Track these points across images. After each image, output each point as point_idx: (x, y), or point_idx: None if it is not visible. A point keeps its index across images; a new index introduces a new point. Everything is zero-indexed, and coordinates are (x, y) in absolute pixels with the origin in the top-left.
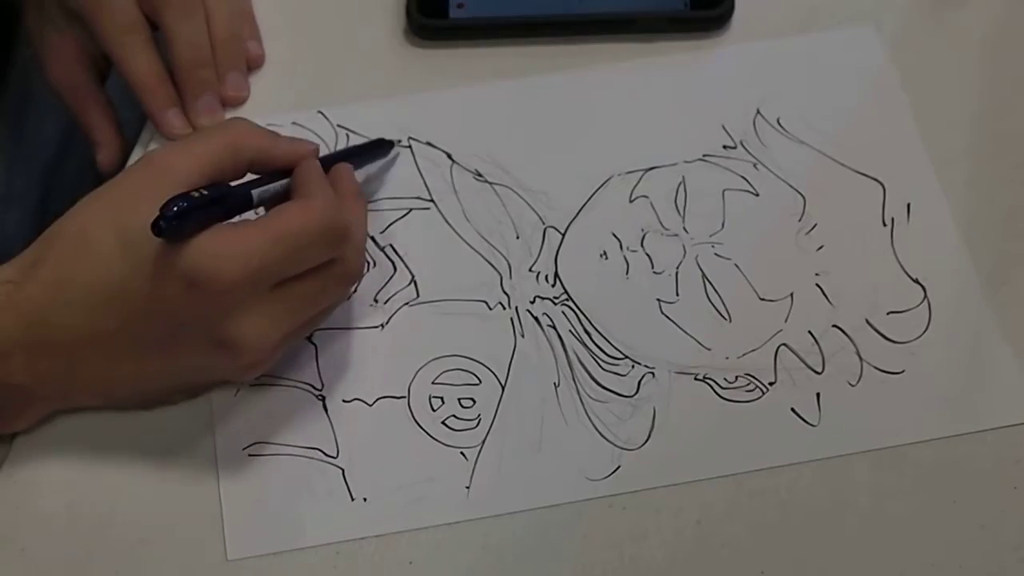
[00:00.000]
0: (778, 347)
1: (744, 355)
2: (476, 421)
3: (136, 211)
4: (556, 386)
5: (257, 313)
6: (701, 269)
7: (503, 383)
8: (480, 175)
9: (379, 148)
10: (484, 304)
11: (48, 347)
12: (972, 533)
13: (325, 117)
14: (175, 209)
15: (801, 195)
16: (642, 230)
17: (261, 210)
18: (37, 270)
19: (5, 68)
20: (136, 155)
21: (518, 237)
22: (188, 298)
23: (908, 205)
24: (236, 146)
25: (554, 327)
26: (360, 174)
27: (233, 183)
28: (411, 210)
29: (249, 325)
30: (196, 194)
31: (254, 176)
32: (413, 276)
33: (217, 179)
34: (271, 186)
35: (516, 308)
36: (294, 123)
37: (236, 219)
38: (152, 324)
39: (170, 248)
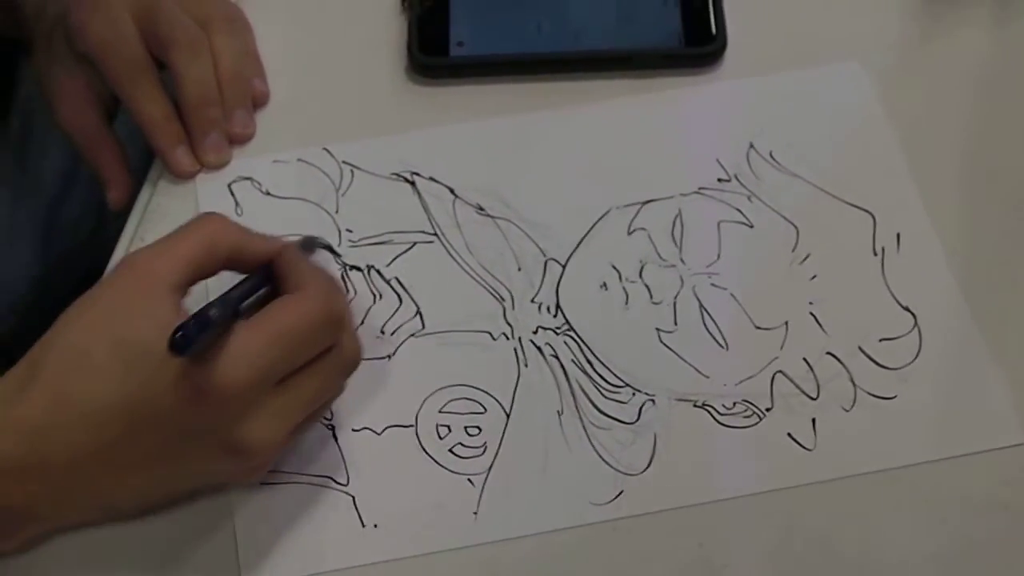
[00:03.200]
0: (774, 374)
1: (741, 382)
2: (482, 448)
3: (131, 324)
4: (559, 414)
5: (264, 414)
6: (698, 299)
7: (508, 411)
8: (482, 209)
9: (313, 243)
10: (488, 335)
11: (48, 466)
12: (963, 552)
13: (330, 154)
14: (193, 329)
15: (794, 226)
16: (640, 261)
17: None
18: (31, 388)
19: (9, 104)
20: (145, 192)
21: (520, 269)
22: (197, 408)
23: (898, 235)
24: (213, 244)
25: (556, 356)
26: None
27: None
28: (415, 244)
29: (258, 427)
30: (211, 312)
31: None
32: (418, 308)
33: (197, 278)
34: (256, 295)
35: (519, 338)
36: (300, 159)
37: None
38: (160, 435)
39: (176, 361)
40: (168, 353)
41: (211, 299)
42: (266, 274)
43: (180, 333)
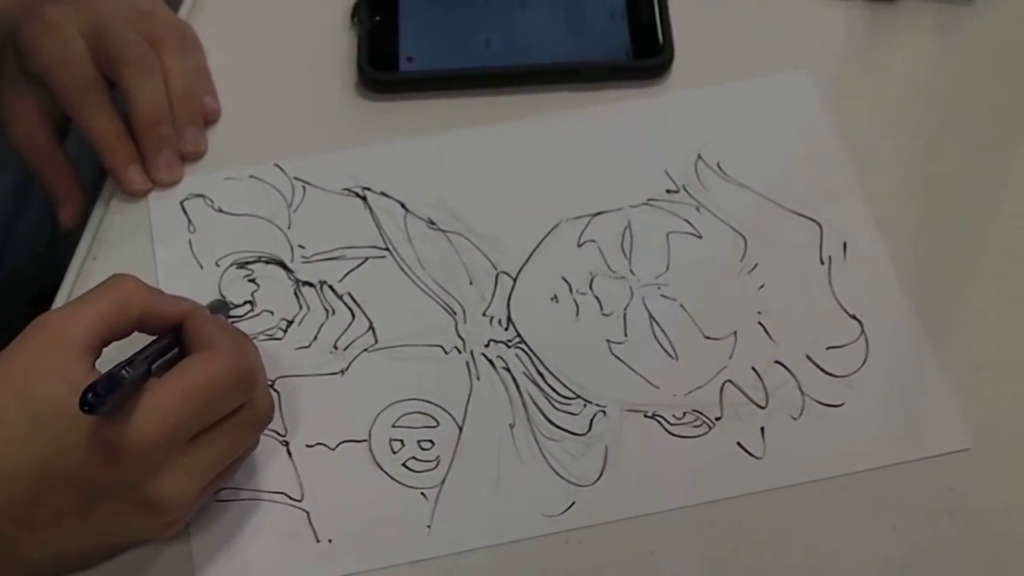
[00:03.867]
0: (723, 383)
1: (691, 392)
2: (435, 462)
3: (43, 383)
4: (512, 426)
5: (176, 470)
6: (648, 310)
7: (460, 425)
8: (433, 223)
9: (223, 307)
10: (440, 348)
11: None
12: (913, 559)
13: (282, 170)
14: (105, 388)
15: (742, 236)
16: (590, 273)
17: None
18: None
19: None
20: (98, 211)
21: (471, 283)
22: (108, 465)
23: (844, 244)
24: (124, 305)
25: (508, 369)
26: None
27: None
28: (367, 259)
29: (169, 483)
30: (123, 372)
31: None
32: (371, 323)
33: (109, 339)
34: (167, 355)
35: (471, 352)
36: (251, 176)
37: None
38: (71, 492)
39: (87, 420)
40: (79, 412)
41: (123, 359)
42: (176, 335)
43: (91, 392)
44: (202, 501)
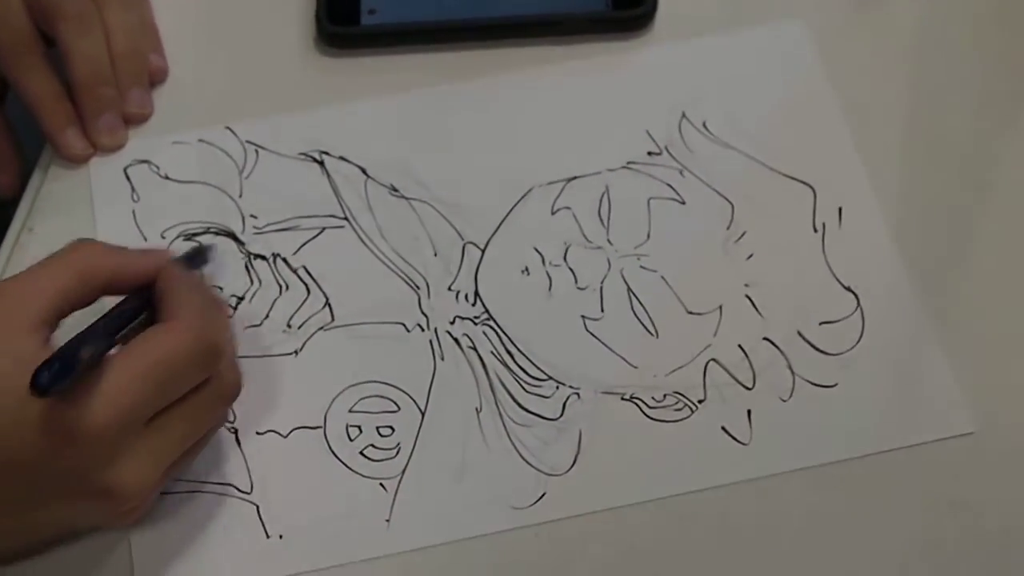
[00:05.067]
0: (707, 363)
1: (672, 372)
2: (395, 450)
3: None
4: (478, 411)
5: (134, 454)
6: (627, 283)
7: (423, 409)
8: (396, 190)
9: (203, 253)
10: (402, 326)
11: None
12: (911, 552)
13: (233, 133)
14: (59, 367)
15: (729, 202)
16: (565, 243)
17: None
18: None
19: None
20: (36, 178)
21: (436, 254)
22: (61, 451)
23: (840, 209)
24: (86, 274)
25: (475, 348)
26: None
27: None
28: (324, 229)
29: (128, 470)
30: (80, 351)
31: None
32: (327, 299)
33: (69, 310)
34: (135, 322)
35: (435, 329)
36: (201, 140)
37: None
38: (20, 480)
39: (38, 402)
40: (27, 393)
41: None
42: (146, 296)
43: (43, 371)
44: (163, 486)
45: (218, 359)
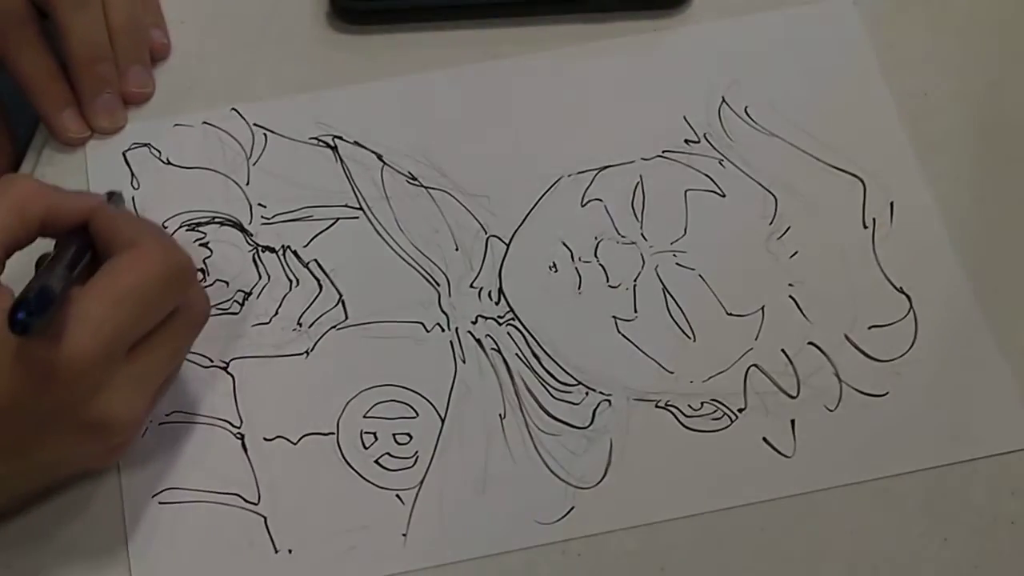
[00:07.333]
0: (748, 368)
1: (710, 378)
2: (413, 459)
3: None
4: (502, 418)
5: (120, 384)
6: (661, 281)
7: (443, 416)
8: (414, 178)
9: (113, 200)
10: (421, 326)
11: None
12: (966, 573)
13: (240, 115)
14: (37, 304)
15: (772, 195)
16: (595, 238)
17: None
18: None
19: None
20: (29, 162)
21: (457, 248)
22: (46, 388)
23: (891, 204)
24: (23, 210)
25: (499, 351)
26: None
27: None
28: (338, 220)
29: (116, 400)
30: (52, 283)
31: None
32: (341, 296)
33: (11, 250)
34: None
35: (456, 330)
36: (205, 122)
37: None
38: (6, 425)
39: (14, 341)
40: (9, 333)
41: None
42: (85, 236)
43: (21, 310)
44: (149, 417)
45: (191, 279)
